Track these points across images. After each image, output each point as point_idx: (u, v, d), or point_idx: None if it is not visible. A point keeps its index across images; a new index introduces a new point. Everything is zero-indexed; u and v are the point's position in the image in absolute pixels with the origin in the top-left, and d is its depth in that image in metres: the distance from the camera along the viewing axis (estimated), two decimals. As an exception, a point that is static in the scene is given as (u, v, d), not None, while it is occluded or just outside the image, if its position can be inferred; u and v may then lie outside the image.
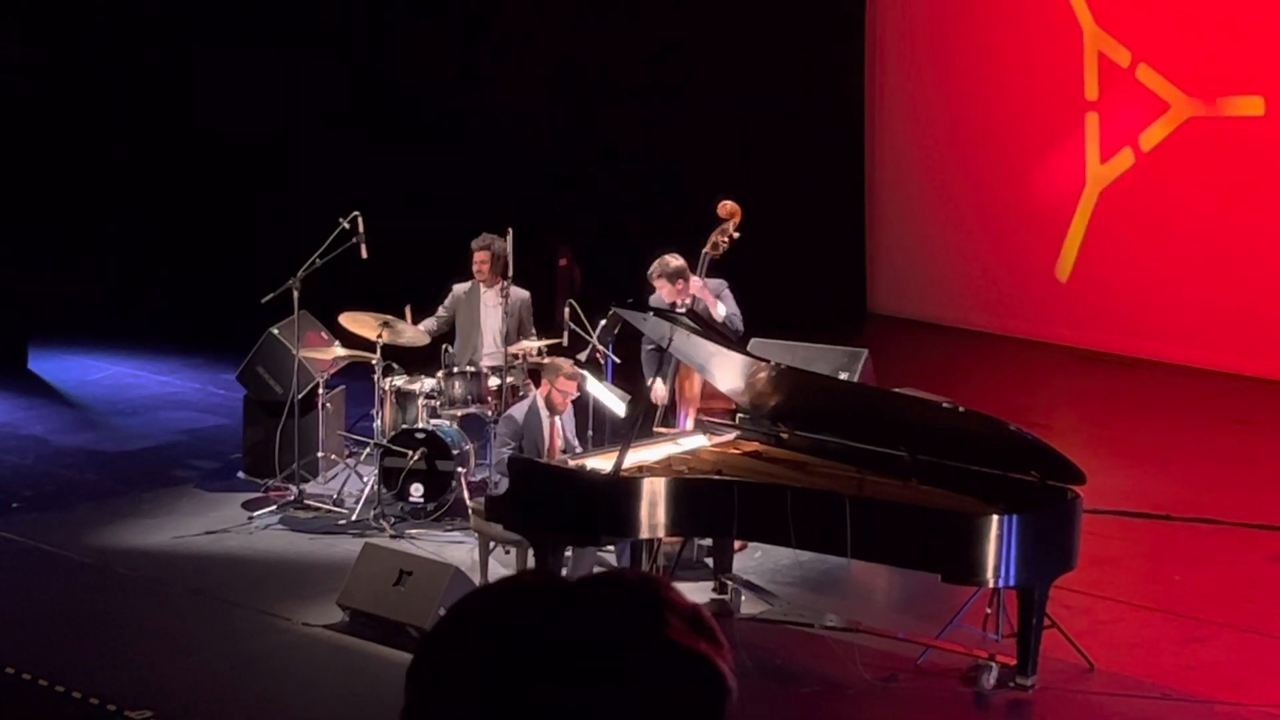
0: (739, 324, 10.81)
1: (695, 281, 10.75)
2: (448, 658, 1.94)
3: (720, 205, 10.90)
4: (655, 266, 10.86)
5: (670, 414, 10.86)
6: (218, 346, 15.05)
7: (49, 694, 8.86)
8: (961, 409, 9.30)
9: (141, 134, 18.67)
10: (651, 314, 9.73)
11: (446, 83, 18.89)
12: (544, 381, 10.44)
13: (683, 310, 10.38)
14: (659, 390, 10.70)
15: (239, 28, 18.90)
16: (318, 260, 11.64)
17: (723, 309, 10.74)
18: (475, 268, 11.94)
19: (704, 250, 10.82)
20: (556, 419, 10.42)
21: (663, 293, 10.83)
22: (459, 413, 11.56)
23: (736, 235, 10.81)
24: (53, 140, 17.76)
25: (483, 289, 11.98)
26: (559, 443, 10.42)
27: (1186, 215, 15.77)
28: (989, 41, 16.93)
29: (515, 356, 11.64)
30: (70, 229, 18.01)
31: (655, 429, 10.64)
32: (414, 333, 11.74)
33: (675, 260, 10.84)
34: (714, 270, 10.90)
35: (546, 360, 10.84)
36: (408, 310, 11.83)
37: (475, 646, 1.93)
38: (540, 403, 10.37)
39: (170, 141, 18.71)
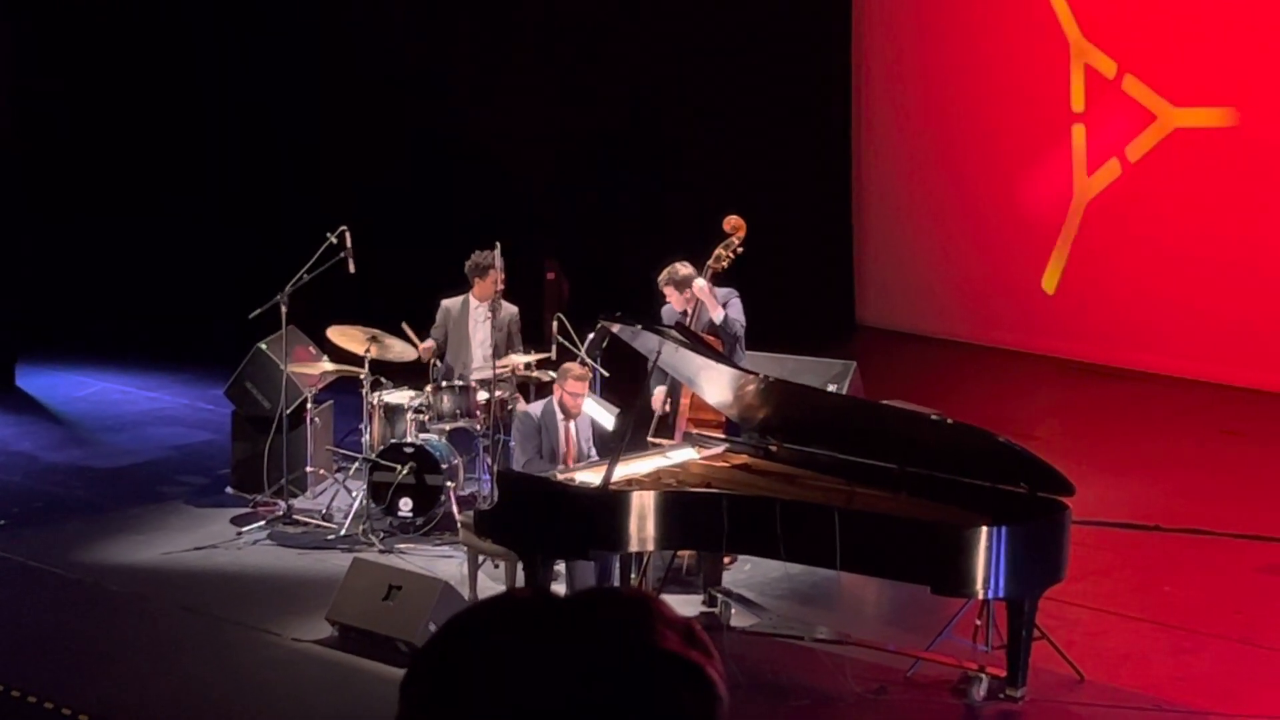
0: (738, 329, 10.81)
1: (700, 283, 10.77)
2: (441, 672, 1.94)
3: (726, 220, 10.96)
4: (664, 274, 10.90)
5: (663, 426, 10.86)
6: (205, 362, 15.03)
7: (38, 710, 8.84)
8: (950, 421, 9.30)
9: (133, 146, 18.66)
10: (640, 327, 9.74)
11: (433, 96, 18.89)
12: (555, 386, 10.52)
13: (673, 324, 10.39)
14: (658, 396, 10.73)
15: (235, 41, 18.90)
16: (305, 275, 11.63)
17: (721, 313, 10.76)
18: (494, 286, 11.74)
19: (707, 263, 10.87)
20: (571, 424, 10.48)
21: (672, 300, 10.88)
22: (447, 427, 11.56)
23: (741, 250, 10.86)
24: (42, 153, 17.74)
25: (473, 303, 11.97)
26: (574, 449, 10.46)
27: (1173, 226, 15.79)
28: (975, 54, 16.95)
29: (504, 370, 11.64)
30: (58, 244, 17.98)
31: (650, 439, 10.65)
32: (403, 347, 11.73)
33: (684, 268, 10.88)
34: (718, 283, 10.94)
35: (558, 369, 10.86)
36: (406, 327, 11.79)
37: (469, 661, 1.93)
38: (555, 405, 10.45)
39: (163, 151, 18.70)
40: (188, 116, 18.89)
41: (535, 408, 10.61)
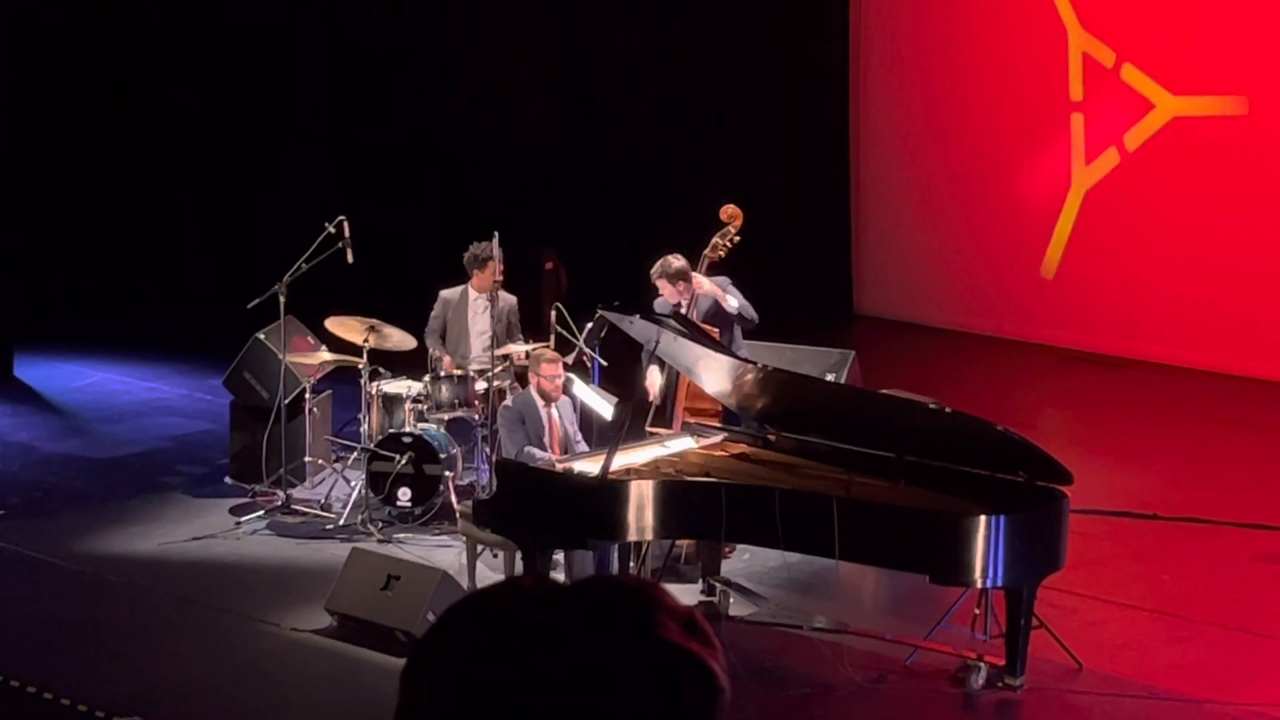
0: (752, 313, 10.82)
1: (700, 279, 10.77)
2: (442, 660, 1.95)
3: (722, 209, 10.96)
4: (657, 268, 10.88)
5: (661, 415, 10.86)
6: (204, 352, 15.01)
7: (37, 700, 8.85)
8: (948, 410, 9.31)
9: (127, 140, 18.65)
10: (638, 317, 9.74)
11: (430, 85, 18.88)
12: (530, 375, 10.52)
13: (672, 313, 10.38)
14: (653, 380, 10.70)
15: (230, 30, 18.89)
16: (303, 265, 11.63)
17: (734, 301, 10.76)
18: (493, 277, 11.73)
19: (704, 252, 10.87)
20: (553, 409, 10.48)
21: (665, 294, 10.86)
22: (446, 416, 11.56)
23: (737, 239, 10.87)
24: (37, 148, 17.73)
25: (472, 294, 11.97)
26: (558, 433, 10.46)
27: (1172, 215, 15.79)
28: (973, 43, 16.94)
29: (503, 360, 11.64)
30: (55, 235, 17.98)
31: (648, 428, 10.65)
32: (401, 336, 11.73)
33: (677, 261, 10.86)
34: (715, 272, 10.95)
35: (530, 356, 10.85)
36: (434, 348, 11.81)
37: (470, 649, 1.93)
38: (534, 393, 10.44)
39: (156, 147, 18.69)
40: (187, 110, 18.87)
41: (511, 400, 10.64)
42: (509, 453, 10.40)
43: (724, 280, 10.95)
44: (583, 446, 10.56)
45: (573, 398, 10.86)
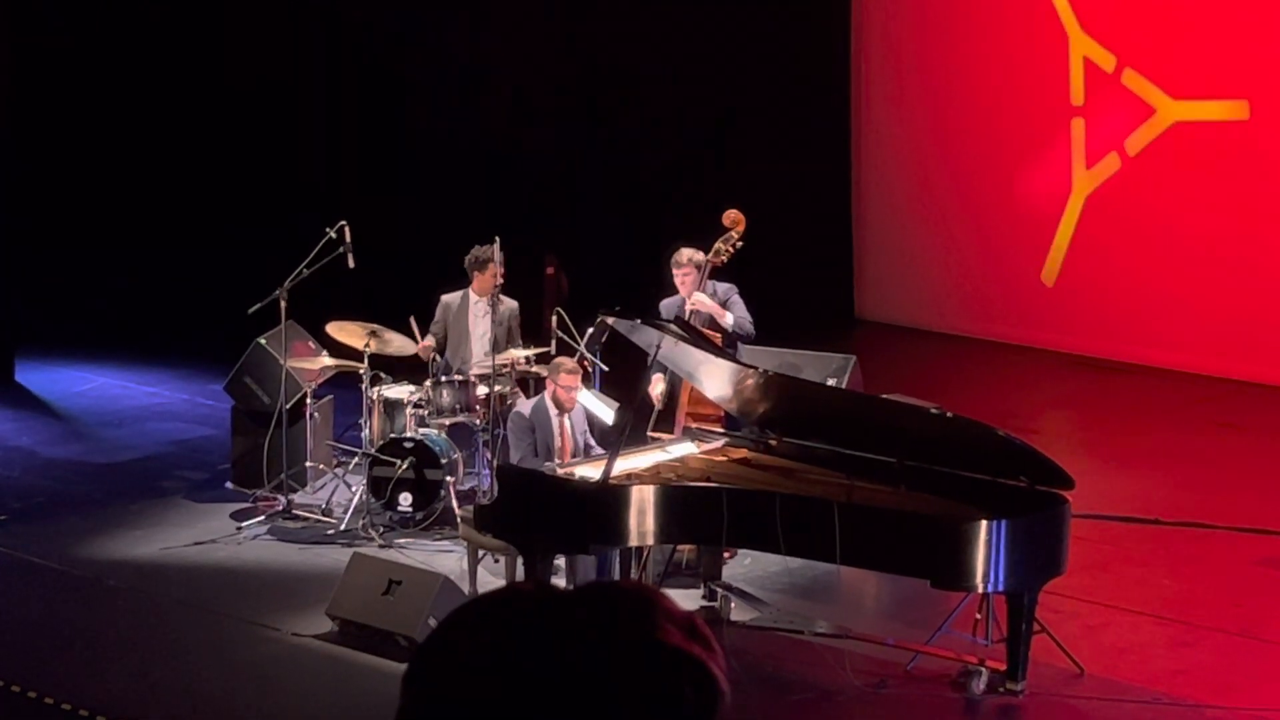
0: (749, 328, 10.85)
1: (699, 296, 10.78)
2: (444, 665, 1.95)
3: (725, 214, 10.98)
4: (679, 255, 10.97)
5: (663, 420, 10.87)
6: (205, 357, 15.02)
7: (38, 706, 8.84)
8: (949, 414, 9.31)
9: (129, 142, 18.66)
10: (639, 322, 9.74)
11: (432, 91, 18.89)
12: (548, 381, 10.50)
13: (674, 318, 10.39)
14: (654, 386, 10.71)
15: (231, 33, 18.91)
16: (305, 270, 11.63)
17: (730, 318, 10.76)
18: (493, 280, 11.73)
19: (707, 257, 10.88)
20: (565, 419, 10.46)
21: (676, 280, 10.95)
22: (447, 421, 11.56)
23: (740, 244, 10.88)
24: (39, 150, 17.74)
25: (473, 298, 11.96)
26: (569, 444, 10.44)
27: (1173, 220, 15.79)
28: (974, 48, 16.95)
29: (504, 365, 11.63)
30: (58, 240, 17.99)
31: (649, 433, 10.65)
32: (402, 341, 11.73)
33: (687, 250, 10.96)
34: (717, 277, 10.96)
35: (550, 363, 10.83)
36: (413, 321, 11.77)
37: (471, 654, 1.93)
38: (548, 401, 10.43)
39: (158, 147, 18.70)
40: (188, 111, 18.88)
41: (527, 406, 10.61)
42: (513, 459, 10.39)
43: (730, 288, 10.96)
44: (596, 452, 10.54)
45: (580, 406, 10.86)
